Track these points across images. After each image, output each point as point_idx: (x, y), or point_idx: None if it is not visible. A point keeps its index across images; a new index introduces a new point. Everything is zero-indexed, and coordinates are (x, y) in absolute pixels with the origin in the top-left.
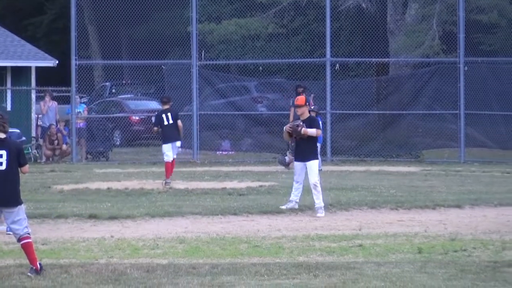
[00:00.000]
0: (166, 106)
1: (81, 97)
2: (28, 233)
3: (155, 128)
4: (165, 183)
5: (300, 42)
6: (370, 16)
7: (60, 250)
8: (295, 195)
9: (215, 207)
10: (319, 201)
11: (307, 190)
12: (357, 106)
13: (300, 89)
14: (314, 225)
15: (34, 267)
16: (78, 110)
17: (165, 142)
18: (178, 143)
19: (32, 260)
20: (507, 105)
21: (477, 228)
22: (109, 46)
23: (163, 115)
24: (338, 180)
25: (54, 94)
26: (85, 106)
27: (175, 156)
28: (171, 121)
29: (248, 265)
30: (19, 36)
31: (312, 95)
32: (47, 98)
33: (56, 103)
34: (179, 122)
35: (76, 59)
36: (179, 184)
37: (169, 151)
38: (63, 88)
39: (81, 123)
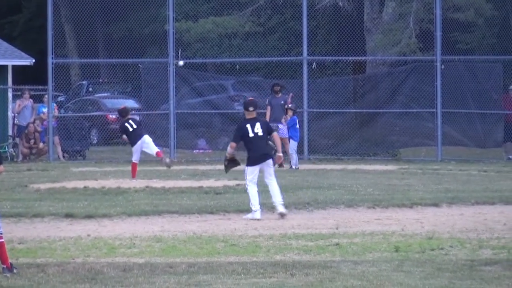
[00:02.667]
0: (127, 117)
1: (56, 96)
2: (1, 233)
3: (124, 136)
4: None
5: (277, 41)
6: (347, 15)
7: (36, 249)
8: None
9: (191, 205)
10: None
11: (284, 189)
12: (334, 104)
13: (277, 88)
14: (291, 224)
15: (6, 266)
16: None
17: (135, 143)
18: (146, 137)
19: (4, 260)
20: (484, 104)
21: (454, 226)
22: (85, 44)
23: (127, 124)
24: (315, 178)
25: (31, 92)
26: (55, 105)
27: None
28: (135, 126)
29: (225, 264)
30: None
31: (290, 94)
32: (26, 96)
33: (32, 101)
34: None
35: (52, 57)
36: (155, 183)
37: (137, 152)
38: (40, 87)
39: (52, 122)
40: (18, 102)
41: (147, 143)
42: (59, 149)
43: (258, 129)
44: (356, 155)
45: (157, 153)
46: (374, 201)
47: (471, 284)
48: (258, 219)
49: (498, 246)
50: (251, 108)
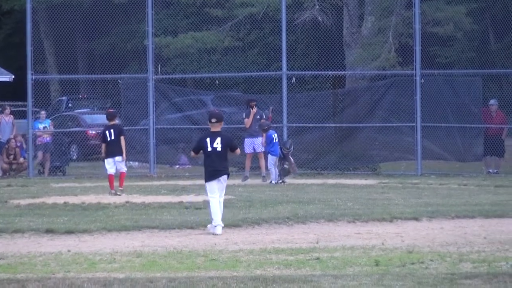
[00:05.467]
0: (112, 122)
1: (35, 112)
2: None
3: (103, 144)
4: (110, 192)
5: (256, 56)
6: (326, 29)
7: (17, 264)
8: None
9: (172, 221)
10: None
11: (264, 204)
12: (314, 119)
13: (253, 103)
14: (271, 239)
15: None
16: (44, 125)
17: (106, 157)
18: (118, 158)
19: None
20: (463, 117)
21: (434, 240)
22: (65, 60)
23: (107, 131)
24: (295, 193)
25: (11, 109)
26: (50, 121)
27: (125, 169)
28: (113, 137)
29: (205, 278)
30: None
31: (271, 107)
32: (7, 112)
33: (12, 117)
34: (122, 139)
35: (32, 73)
36: (135, 198)
37: (108, 165)
38: (20, 103)
39: (47, 138)
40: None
41: (118, 162)
42: (48, 164)
43: (218, 144)
44: (336, 170)
45: (122, 173)
46: (354, 215)
47: None
48: (217, 234)
49: (478, 259)
50: (213, 120)
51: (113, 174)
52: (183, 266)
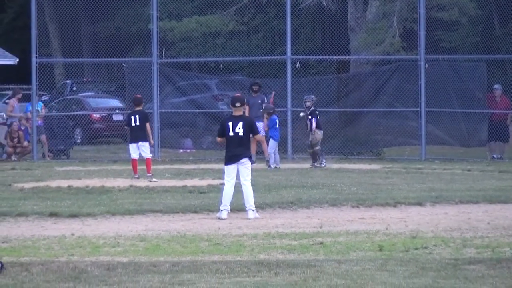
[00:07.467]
0: (137, 108)
1: (40, 95)
2: None
3: (126, 128)
4: (133, 177)
5: (260, 40)
6: (331, 14)
7: (20, 248)
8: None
9: (175, 205)
10: None
11: (268, 189)
12: (318, 103)
13: (256, 87)
14: (275, 223)
15: None
16: (36, 108)
17: (130, 142)
18: (143, 143)
19: None
20: (468, 103)
21: (438, 225)
22: (69, 43)
23: (132, 117)
24: (299, 177)
25: None
26: (42, 104)
27: (149, 155)
28: (137, 123)
29: (208, 263)
30: None
31: (273, 92)
32: (18, 96)
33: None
34: (147, 125)
35: (36, 57)
36: (139, 182)
37: (132, 149)
38: (24, 86)
39: (38, 121)
40: (11, 102)
41: (143, 146)
42: (46, 148)
43: (240, 128)
44: (340, 154)
45: (147, 159)
46: (358, 200)
47: (455, 283)
48: (222, 219)
49: (482, 245)
50: (237, 104)
51: (136, 158)
52: (187, 250)
